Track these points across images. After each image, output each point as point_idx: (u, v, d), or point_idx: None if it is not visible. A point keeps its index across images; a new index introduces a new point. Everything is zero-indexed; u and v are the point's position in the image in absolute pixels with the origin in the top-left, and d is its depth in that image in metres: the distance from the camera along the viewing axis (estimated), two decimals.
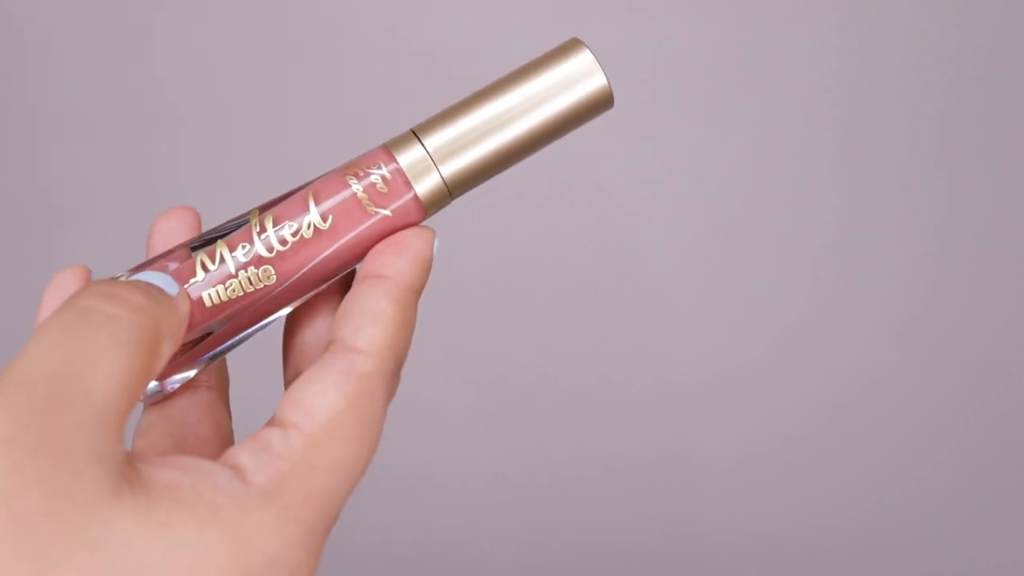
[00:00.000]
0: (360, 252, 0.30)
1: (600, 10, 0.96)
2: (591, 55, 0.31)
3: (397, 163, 0.30)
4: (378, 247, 0.30)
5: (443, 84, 0.94)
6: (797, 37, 0.96)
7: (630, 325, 0.99)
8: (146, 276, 0.28)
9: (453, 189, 0.31)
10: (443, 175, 0.30)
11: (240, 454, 0.26)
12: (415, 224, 0.31)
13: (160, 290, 0.27)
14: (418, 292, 0.30)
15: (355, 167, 0.30)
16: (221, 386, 0.34)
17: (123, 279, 0.28)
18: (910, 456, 0.98)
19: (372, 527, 0.93)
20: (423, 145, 0.30)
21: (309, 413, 0.27)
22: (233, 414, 0.34)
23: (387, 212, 0.30)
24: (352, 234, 0.30)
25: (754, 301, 0.99)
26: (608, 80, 0.31)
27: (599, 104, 0.32)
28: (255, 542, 0.24)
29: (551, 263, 0.99)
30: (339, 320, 0.29)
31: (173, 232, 0.33)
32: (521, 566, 0.96)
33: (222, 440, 0.33)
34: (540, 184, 0.96)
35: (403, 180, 0.30)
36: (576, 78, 0.31)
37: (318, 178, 0.31)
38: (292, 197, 0.31)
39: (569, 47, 0.31)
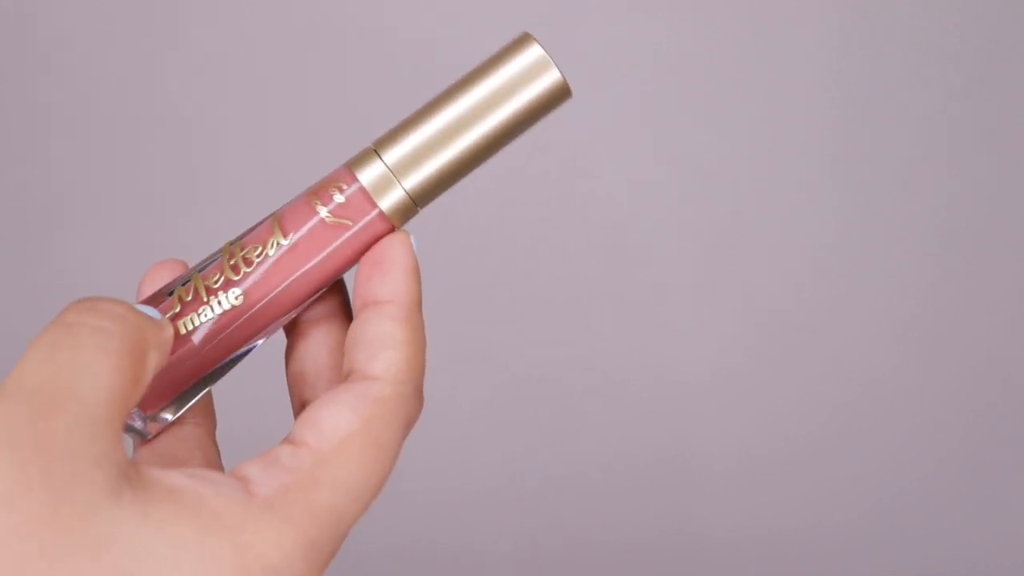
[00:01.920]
0: (330, 273, 0.31)
1: (600, 10, 0.96)
2: (541, 49, 0.31)
3: (359, 181, 0.30)
4: (363, 272, 0.30)
5: (445, 85, 0.94)
6: (797, 37, 0.96)
7: (630, 325, 0.99)
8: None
9: (418, 200, 0.31)
10: (406, 188, 0.30)
11: (249, 467, 0.26)
12: (385, 233, 0.31)
13: (142, 309, 0.28)
14: (419, 303, 0.31)
15: (320, 189, 0.31)
16: (208, 423, 0.34)
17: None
18: (910, 456, 0.98)
19: (373, 528, 0.93)
20: (383, 160, 0.30)
21: (321, 432, 0.27)
22: (221, 453, 0.34)
23: (353, 231, 0.30)
24: (320, 255, 0.30)
25: (754, 301, 0.99)
26: (562, 72, 0.31)
27: (556, 97, 0.31)
28: (254, 549, 0.24)
29: (551, 263, 0.99)
30: (350, 351, 0.29)
31: (162, 282, 0.33)
32: (521, 566, 0.96)
33: None
34: (540, 184, 0.96)
35: (366, 198, 0.30)
36: (529, 74, 0.31)
37: (285, 204, 0.31)
38: (260, 224, 0.31)
39: (519, 43, 0.31)
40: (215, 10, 0.95)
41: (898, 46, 0.96)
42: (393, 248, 0.31)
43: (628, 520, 0.97)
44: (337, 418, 0.27)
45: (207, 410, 0.34)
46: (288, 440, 0.27)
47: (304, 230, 0.30)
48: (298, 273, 0.30)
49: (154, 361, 0.27)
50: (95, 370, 0.24)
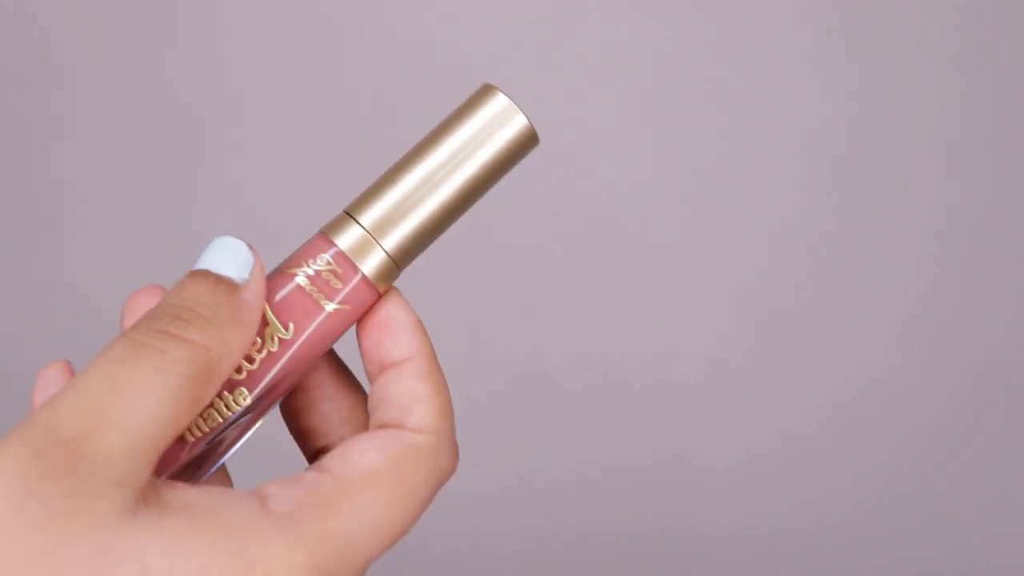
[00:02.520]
0: (322, 345, 0.30)
1: (599, 10, 0.96)
2: (506, 98, 0.30)
3: (338, 247, 0.30)
4: (371, 340, 0.31)
5: (445, 85, 0.94)
6: (796, 36, 0.96)
7: (630, 325, 0.99)
8: (219, 260, 0.28)
9: (400, 261, 0.30)
10: (386, 249, 0.30)
11: (271, 485, 0.27)
12: (371, 305, 0.30)
13: (219, 307, 0.27)
14: (435, 354, 0.31)
15: (298, 260, 0.30)
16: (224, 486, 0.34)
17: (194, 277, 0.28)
18: (910, 456, 0.98)
19: None
20: (359, 224, 0.30)
21: (346, 463, 0.27)
22: None
23: (339, 302, 0.30)
24: (309, 330, 0.30)
25: (754, 301, 0.99)
26: (528, 119, 0.30)
27: (525, 144, 0.31)
28: (262, 564, 0.25)
29: (550, 263, 0.99)
30: (380, 410, 0.30)
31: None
32: (521, 566, 0.96)
33: None
34: (540, 185, 0.96)
35: (348, 264, 0.30)
36: (496, 124, 0.30)
37: (270, 281, 0.30)
38: None
39: (482, 94, 0.31)
40: (215, 10, 0.95)
41: (898, 46, 0.96)
42: (393, 308, 0.31)
43: (628, 520, 0.97)
44: (366, 454, 0.28)
45: (223, 474, 0.34)
46: (315, 467, 0.28)
47: (312, 327, 0.30)
48: (291, 353, 0.30)
49: (220, 377, 0.27)
50: (147, 397, 0.25)
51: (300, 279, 0.30)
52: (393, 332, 0.30)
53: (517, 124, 0.30)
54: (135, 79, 0.96)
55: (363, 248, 0.30)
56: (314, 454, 0.32)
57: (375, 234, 0.30)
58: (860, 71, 0.97)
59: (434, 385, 0.30)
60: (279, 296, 0.30)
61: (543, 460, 0.99)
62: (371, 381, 0.31)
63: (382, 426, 0.29)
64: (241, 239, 0.29)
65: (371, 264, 0.30)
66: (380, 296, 0.30)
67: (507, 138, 0.30)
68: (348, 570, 0.26)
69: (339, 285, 0.30)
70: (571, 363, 0.99)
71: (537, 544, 0.96)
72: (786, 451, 0.98)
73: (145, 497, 0.24)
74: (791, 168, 0.98)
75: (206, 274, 0.28)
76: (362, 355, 0.31)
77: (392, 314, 0.31)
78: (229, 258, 0.28)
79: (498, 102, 0.30)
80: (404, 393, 0.29)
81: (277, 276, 0.30)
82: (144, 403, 0.25)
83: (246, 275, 0.28)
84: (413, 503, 0.28)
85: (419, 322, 0.31)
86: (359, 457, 0.28)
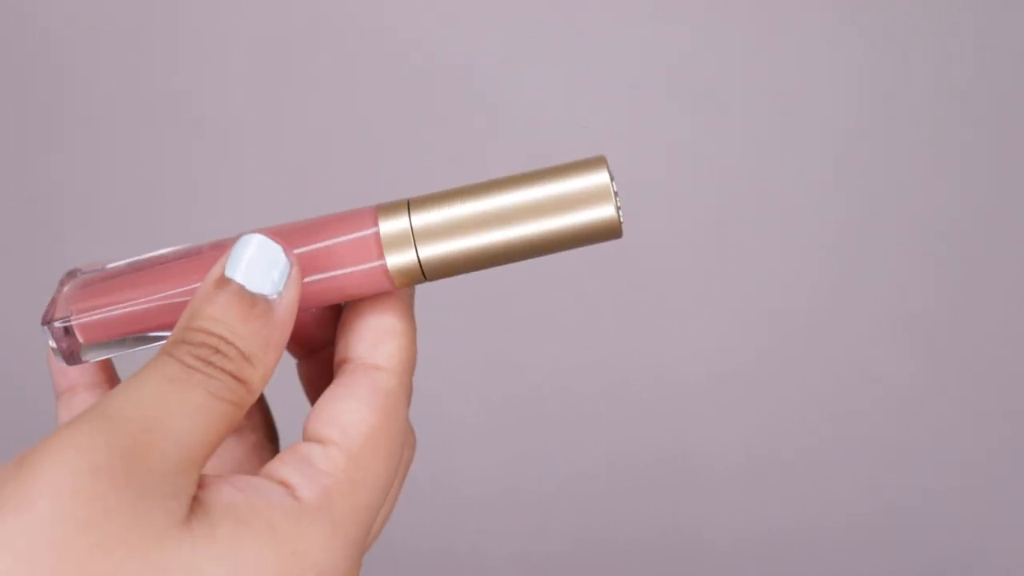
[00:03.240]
0: (311, 301, 0.30)
1: (600, 10, 0.96)
2: (608, 178, 0.29)
3: (378, 228, 0.29)
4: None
5: (445, 85, 0.94)
6: (799, 35, 0.96)
7: (630, 325, 0.99)
8: (253, 272, 0.28)
9: (428, 272, 0.30)
10: (419, 255, 0.29)
11: (284, 469, 0.27)
12: (381, 292, 0.30)
13: (253, 337, 0.28)
14: (412, 300, 0.31)
15: (340, 220, 0.30)
16: (267, 428, 0.35)
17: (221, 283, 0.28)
18: (910, 456, 0.98)
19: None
20: (410, 219, 0.29)
21: (345, 430, 0.28)
22: None
23: (353, 269, 0.29)
24: (316, 277, 0.29)
25: (754, 300, 0.99)
26: (618, 211, 0.29)
27: (603, 232, 0.29)
28: (309, 556, 0.26)
29: (549, 263, 0.99)
30: (348, 337, 0.30)
31: None
32: (520, 566, 0.96)
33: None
34: None
35: (377, 246, 0.29)
36: (586, 199, 0.29)
37: (303, 222, 0.31)
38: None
39: (591, 163, 0.29)
40: (215, 10, 0.95)
41: (900, 45, 0.96)
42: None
43: (628, 520, 0.97)
44: (357, 414, 0.28)
45: (265, 415, 0.35)
46: (311, 437, 0.28)
47: (319, 277, 0.29)
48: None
49: (254, 397, 0.28)
50: (197, 419, 0.26)
51: (331, 234, 0.30)
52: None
53: (604, 211, 0.29)
54: (135, 79, 0.96)
55: (399, 241, 0.29)
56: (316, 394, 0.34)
57: (417, 235, 0.29)
58: (862, 69, 0.97)
59: (407, 324, 0.30)
60: (302, 235, 0.30)
61: (542, 460, 0.99)
62: (349, 303, 0.31)
63: (348, 358, 0.30)
64: (279, 242, 0.28)
65: (397, 259, 0.29)
66: (390, 290, 0.30)
67: (588, 218, 0.29)
68: (369, 532, 0.28)
69: (360, 257, 0.30)
70: (571, 363, 0.99)
71: (537, 544, 0.97)
72: (786, 451, 0.98)
73: (193, 507, 0.25)
74: (792, 168, 0.98)
75: (240, 294, 0.28)
76: None
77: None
78: (265, 269, 0.28)
79: (599, 178, 0.29)
80: (377, 326, 0.30)
81: (314, 222, 0.30)
82: (196, 422, 0.26)
83: (280, 287, 0.28)
84: (398, 449, 0.29)
85: None
86: (353, 418, 0.28)
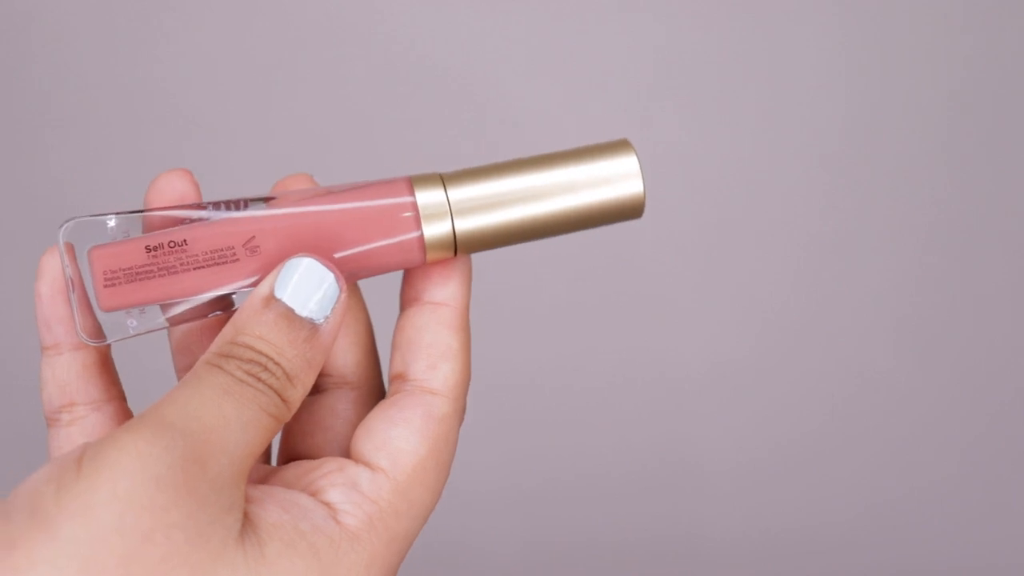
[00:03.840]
0: (345, 269, 0.30)
1: (600, 10, 0.96)
2: (636, 161, 0.30)
3: (414, 198, 0.29)
4: (420, 269, 0.31)
5: (445, 86, 0.94)
6: (792, 34, 0.96)
7: (629, 325, 0.99)
8: (301, 294, 0.28)
9: (460, 245, 0.30)
10: (456, 227, 0.30)
11: (332, 492, 0.28)
12: (413, 262, 0.30)
13: (296, 359, 0.28)
14: (468, 309, 0.32)
15: (375, 188, 0.30)
16: (369, 385, 0.34)
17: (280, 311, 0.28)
18: (910, 456, 0.98)
19: None
20: (446, 191, 0.30)
21: (395, 458, 0.29)
22: None
23: (388, 242, 0.29)
24: (347, 252, 0.29)
25: (753, 300, 0.99)
26: (644, 190, 0.30)
27: (627, 209, 0.31)
28: None
29: (549, 263, 0.99)
30: (405, 352, 0.31)
31: (170, 194, 0.33)
32: (520, 566, 0.96)
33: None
34: None
35: (415, 217, 0.29)
36: (614, 177, 0.30)
37: (335, 188, 0.30)
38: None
39: (618, 145, 0.30)
40: (215, 10, 0.95)
41: (893, 44, 0.96)
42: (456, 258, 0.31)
43: (628, 520, 0.97)
44: (408, 442, 0.29)
45: (371, 371, 0.34)
46: (360, 459, 0.29)
47: (352, 251, 0.29)
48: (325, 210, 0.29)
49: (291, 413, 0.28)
50: (250, 432, 0.26)
51: (365, 198, 0.29)
52: (447, 271, 0.31)
53: (632, 187, 0.30)
54: (136, 79, 0.96)
55: (436, 213, 0.29)
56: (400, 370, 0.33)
57: (454, 208, 0.30)
58: (854, 69, 0.97)
59: (464, 342, 0.31)
60: (338, 198, 0.30)
61: (542, 460, 0.99)
62: (402, 307, 0.31)
63: (402, 377, 0.30)
64: (329, 267, 0.28)
65: (434, 230, 0.29)
66: (422, 262, 0.30)
67: (616, 195, 0.30)
68: (402, 557, 0.29)
69: (395, 228, 0.29)
70: (571, 363, 0.99)
71: (534, 544, 0.96)
72: (786, 451, 0.98)
73: (243, 522, 0.25)
74: (789, 168, 0.98)
75: (288, 316, 0.28)
76: (405, 276, 0.31)
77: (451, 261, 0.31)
78: (313, 291, 0.28)
79: (627, 158, 0.30)
80: (434, 343, 0.30)
81: (350, 189, 0.30)
82: (248, 436, 0.26)
83: (328, 311, 0.28)
84: (445, 475, 0.30)
85: (470, 275, 0.31)
86: (404, 447, 0.29)
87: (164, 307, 0.30)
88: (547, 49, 0.95)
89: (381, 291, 0.39)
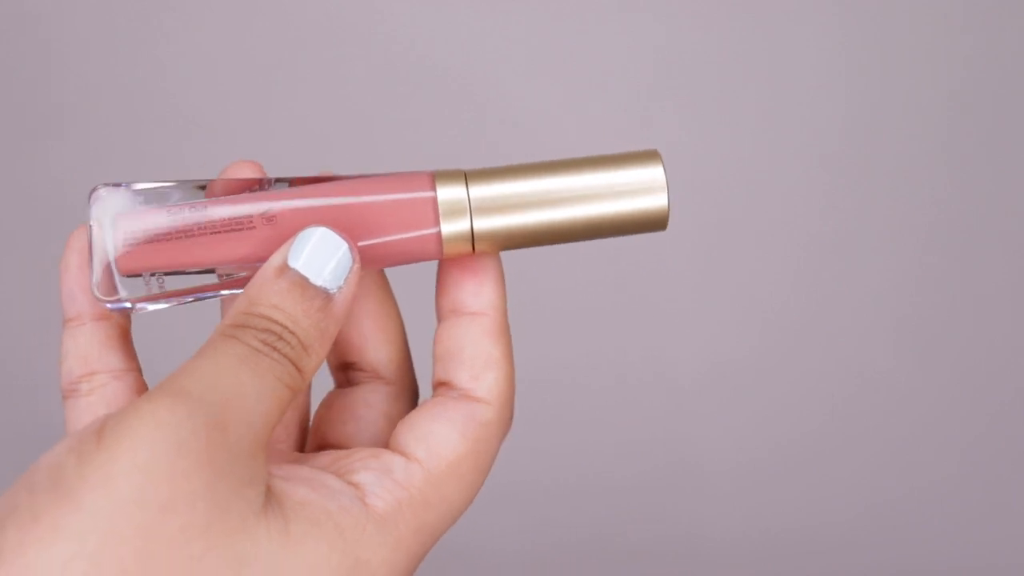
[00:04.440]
0: (367, 257, 0.30)
1: (599, 10, 0.96)
2: (663, 172, 0.30)
3: (435, 193, 0.29)
4: (452, 277, 0.31)
5: (446, 86, 0.94)
6: (792, 34, 0.96)
7: (628, 325, 0.99)
8: (316, 262, 0.28)
9: (478, 244, 0.30)
10: (474, 226, 0.29)
11: (363, 474, 0.28)
12: (430, 257, 0.30)
13: (311, 329, 0.28)
14: (507, 315, 0.32)
15: (397, 180, 0.30)
16: (403, 383, 0.34)
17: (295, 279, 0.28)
18: (910, 456, 0.98)
19: None
20: (467, 189, 0.29)
21: (432, 450, 0.29)
22: None
23: (405, 235, 0.29)
24: (366, 243, 0.29)
25: (753, 300, 0.99)
26: (668, 204, 0.30)
27: (650, 222, 0.30)
28: (370, 565, 0.26)
29: (549, 263, 0.99)
30: (448, 363, 0.30)
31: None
32: (520, 566, 0.96)
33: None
34: None
35: (434, 212, 0.29)
36: (640, 188, 0.30)
37: (358, 176, 0.30)
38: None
39: (646, 155, 0.30)
40: (216, 11, 0.95)
41: (893, 44, 0.96)
42: (486, 258, 0.31)
43: (628, 520, 0.97)
44: (448, 438, 0.29)
45: (404, 369, 0.34)
46: (398, 448, 0.29)
47: (371, 241, 0.29)
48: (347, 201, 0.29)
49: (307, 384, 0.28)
50: (267, 401, 0.26)
51: (385, 190, 0.29)
52: (479, 279, 0.31)
53: (657, 200, 0.30)
54: (136, 79, 0.96)
55: (455, 210, 0.29)
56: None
57: (474, 206, 0.29)
58: (854, 69, 0.97)
59: (507, 350, 0.31)
60: (355, 189, 0.29)
61: (542, 460, 0.99)
62: (440, 318, 0.31)
63: (447, 384, 0.30)
64: (343, 236, 0.28)
65: (452, 227, 0.29)
66: (439, 258, 0.30)
67: (640, 206, 0.30)
68: (427, 550, 0.29)
69: (412, 222, 0.29)
70: (570, 363, 0.99)
71: (534, 544, 0.96)
72: (786, 451, 0.98)
73: (267, 494, 0.25)
74: (789, 168, 0.98)
75: (302, 285, 0.28)
76: (438, 287, 0.31)
77: (483, 261, 0.31)
78: (327, 260, 0.28)
79: (654, 169, 0.30)
80: (477, 354, 0.30)
81: (371, 179, 0.30)
82: (266, 406, 0.26)
83: (341, 281, 0.28)
84: (481, 480, 0.30)
85: (503, 280, 0.31)
86: (444, 444, 0.29)
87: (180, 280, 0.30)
88: (547, 49, 0.95)
89: (410, 291, 0.39)
